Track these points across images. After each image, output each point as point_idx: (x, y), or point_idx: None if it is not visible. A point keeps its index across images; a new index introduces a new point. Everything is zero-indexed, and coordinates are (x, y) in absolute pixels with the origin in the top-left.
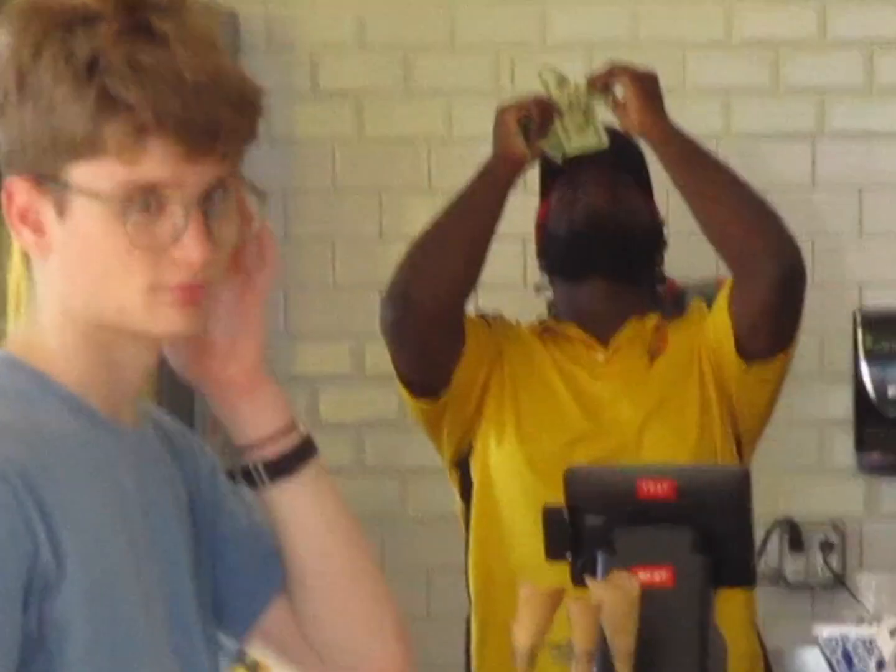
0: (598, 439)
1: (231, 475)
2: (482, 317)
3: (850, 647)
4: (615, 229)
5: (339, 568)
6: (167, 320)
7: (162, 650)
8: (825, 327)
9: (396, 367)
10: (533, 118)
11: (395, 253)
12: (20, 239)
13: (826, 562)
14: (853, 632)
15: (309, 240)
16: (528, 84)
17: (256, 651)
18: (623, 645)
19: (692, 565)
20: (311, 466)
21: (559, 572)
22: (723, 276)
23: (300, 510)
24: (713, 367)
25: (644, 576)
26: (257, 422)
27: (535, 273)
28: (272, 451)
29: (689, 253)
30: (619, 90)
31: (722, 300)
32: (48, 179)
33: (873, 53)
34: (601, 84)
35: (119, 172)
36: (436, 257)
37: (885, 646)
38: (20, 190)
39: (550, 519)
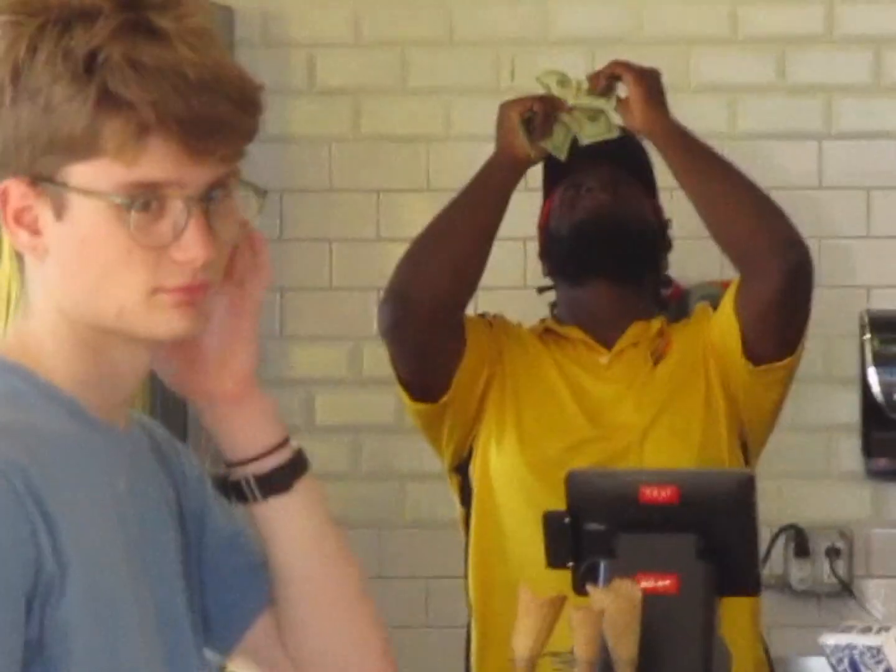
0: (600, 443)
1: (221, 487)
2: (483, 317)
3: (856, 656)
4: (618, 229)
5: (328, 583)
6: (167, 323)
7: (157, 656)
8: (831, 330)
9: (395, 370)
10: (536, 115)
11: (392, 253)
12: (15, 241)
13: (832, 569)
14: (860, 640)
15: (305, 240)
16: (529, 81)
17: (237, 667)
18: (625, 654)
19: (696, 572)
20: (303, 482)
21: (561, 579)
22: (727, 279)
23: (291, 525)
24: (719, 370)
25: (647, 583)
26: (249, 436)
27: (535, 274)
28: (265, 465)
29: (691, 255)
30: (622, 88)
31: (728, 301)
32: (45, 180)
33: (882, 51)
34: (603, 82)
35: (119, 172)
36: (437, 256)
37: (893, 655)
38: (16, 191)
39: (551, 525)
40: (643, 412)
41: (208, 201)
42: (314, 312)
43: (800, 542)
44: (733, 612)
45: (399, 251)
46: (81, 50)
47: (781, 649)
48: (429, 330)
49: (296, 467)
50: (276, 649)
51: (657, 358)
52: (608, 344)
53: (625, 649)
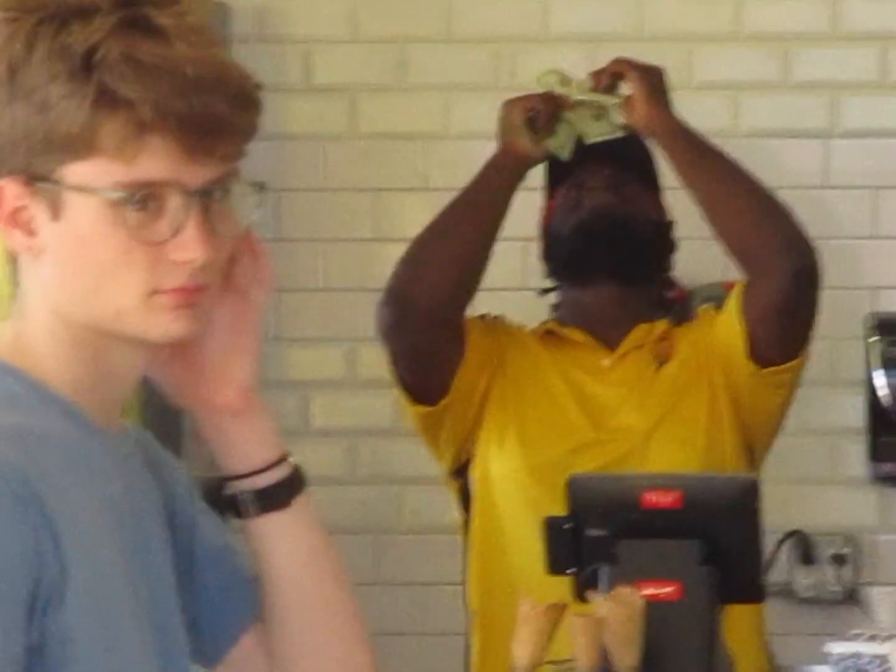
0: (603, 447)
1: (212, 500)
2: (483, 319)
3: (862, 665)
4: (622, 229)
5: (319, 603)
6: (165, 324)
7: (154, 661)
8: (837, 332)
9: (393, 372)
10: (539, 114)
11: (389, 254)
12: (10, 241)
13: (838, 576)
14: (866, 649)
15: (300, 240)
16: (529, 78)
17: None
18: (627, 662)
19: (699, 579)
20: (299, 499)
21: (563, 586)
22: (730, 280)
23: (285, 542)
24: (723, 373)
25: (649, 590)
26: (249, 449)
27: (535, 275)
28: (263, 481)
29: (694, 256)
30: (625, 86)
31: (733, 303)
32: (41, 179)
33: (888, 47)
34: (606, 80)
35: (117, 171)
36: (437, 256)
37: None
38: (10, 191)
39: (551, 530)
40: (646, 416)
41: (207, 200)
42: (310, 313)
43: (805, 548)
44: (737, 620)
45: (397, 251)
46: (79, 47)
47: (786, 658)
48: (428, 331)
49: (294, 484)
50: (261, 666)
51: (660, 361)
52: (611, 346)
53: (626, 658)
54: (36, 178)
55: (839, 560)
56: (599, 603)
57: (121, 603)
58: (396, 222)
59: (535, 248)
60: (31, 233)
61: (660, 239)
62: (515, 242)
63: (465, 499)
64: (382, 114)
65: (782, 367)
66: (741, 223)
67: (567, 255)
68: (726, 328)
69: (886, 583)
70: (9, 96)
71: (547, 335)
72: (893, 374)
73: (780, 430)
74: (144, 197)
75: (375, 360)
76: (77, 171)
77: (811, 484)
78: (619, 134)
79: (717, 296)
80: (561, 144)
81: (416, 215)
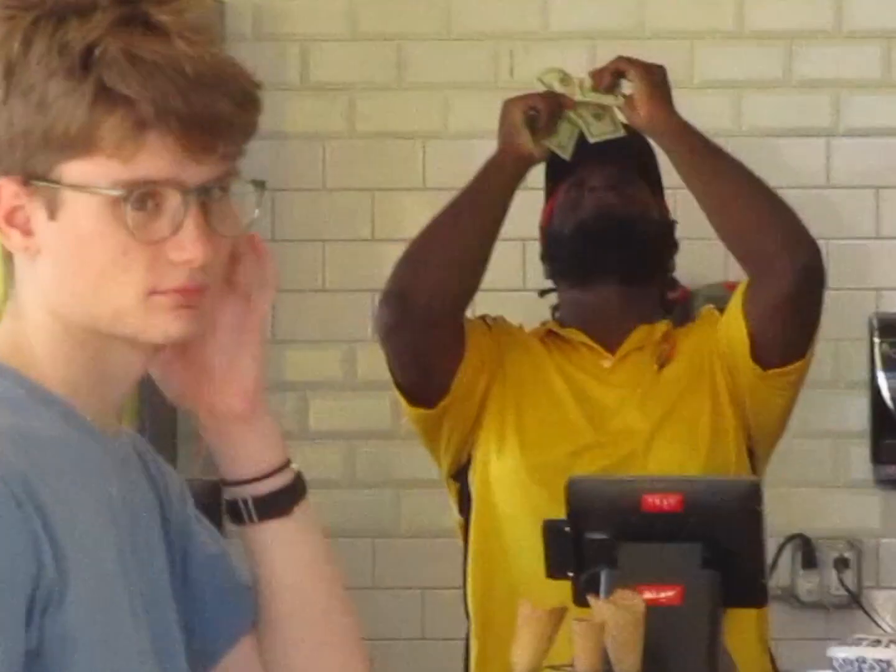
0: (604, 449)
1: (206, 504)
2: (483, 319)
3: (866, 670)
4: (623, 229)
5: (317, 610)
6: (163, 325)
7: (152, 664)
8: (840, 333)
9: (393, 373)
10: (541, 113)
11: (387, 254)
12: (7, 241)
13: (841, 579)
14: (869, 654)
15: (298, 240)
16: (529, 77)
17: None
18: (627, 666)
19: (700, 583)
20: (300, 506)
21: (563, 589)
22: (732, 281)
23: (285, 549)
24: (726, 374)
25: (650, 594)
26: (251, 456)
27: (535, 276)
28: (265, 487)
29: (695, 256)
30: (626, 85)
31: (736, 304)
32: (39, 178)
33: (891, 45)
34: (608, 78)
35: (116, 169)
36: (437, 256)
37: None
38: (7, 190)
39: (551, 533)
40: (648, 417)
41: (207, 199)
42: (308, 315)
43: (807, 552)
44: (739, 624)
45: (395, 251)
46: (78, 44)
47: (788, 663)
48: (428, 332)
49: (296, 491)
50: None
51: (662, 362)
52: (612, 348)
53: (627, 662)
54: (33, 177)
55: (842, 564)
56: (600, 607)
57: (120, 603)
58: (395, 222)
59: (535, 248)
60: (27, 232)
61: (661, 239)
62: (515, 242)
63: (465, 501)
64: (381, 113)
65: (786, 368)
66: (744, 222)
67: (568, 255)
68: (729, 329)
69: (890, 587)
70: (6, 94)
71: (547, 336)
72: None
73: (783, 432)
74: (143, 196)
75: (374, 362)
76: (75, 170)
77: (814, 487)
78: (621, 133)
79: (719, 296)
80: (562, 144)
81: (413, 215)
